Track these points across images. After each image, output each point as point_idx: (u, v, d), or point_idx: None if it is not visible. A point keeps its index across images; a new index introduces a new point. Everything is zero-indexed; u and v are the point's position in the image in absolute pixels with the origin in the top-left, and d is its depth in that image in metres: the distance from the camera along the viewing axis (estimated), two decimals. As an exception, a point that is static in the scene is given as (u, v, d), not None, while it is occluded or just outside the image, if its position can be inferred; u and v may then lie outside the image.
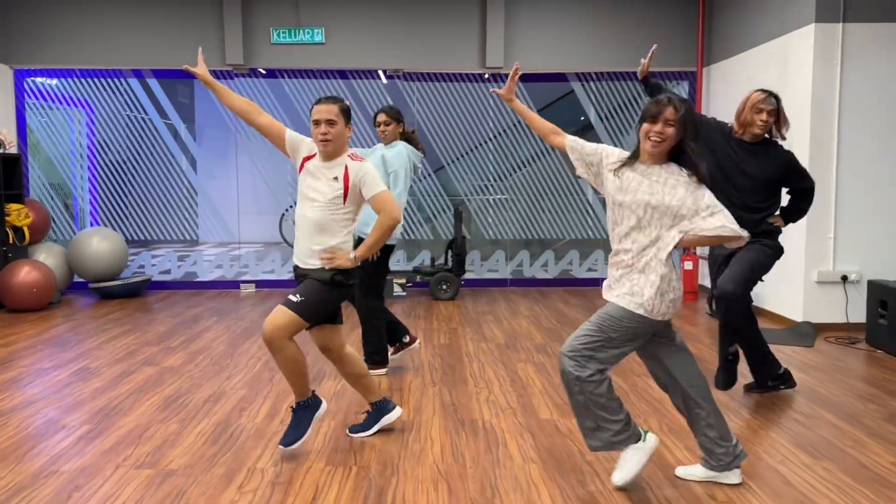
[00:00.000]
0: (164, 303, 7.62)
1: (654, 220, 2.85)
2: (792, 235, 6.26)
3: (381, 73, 8.32)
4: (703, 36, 7.98)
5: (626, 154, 3.00)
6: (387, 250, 4.63)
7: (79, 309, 7.24)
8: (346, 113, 3.33)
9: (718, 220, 2.81)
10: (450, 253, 8.06)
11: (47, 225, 7.94)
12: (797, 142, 6.16)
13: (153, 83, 8.35)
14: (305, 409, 3.43)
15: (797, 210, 4.27)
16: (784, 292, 6.39)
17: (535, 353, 5.37)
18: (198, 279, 8.58)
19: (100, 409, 4.07)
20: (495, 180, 8.62)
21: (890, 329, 5.31)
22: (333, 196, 3.29)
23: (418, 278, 7.92)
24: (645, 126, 2.87)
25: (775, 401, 4.22)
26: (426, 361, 5.12)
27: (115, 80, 8.28)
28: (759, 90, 3.97)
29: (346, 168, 3.31)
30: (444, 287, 7.77)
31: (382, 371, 4.78)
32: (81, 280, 8.14)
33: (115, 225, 8.51)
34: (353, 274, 3.37)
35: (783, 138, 4.05)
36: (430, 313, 6.96)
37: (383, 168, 4.60)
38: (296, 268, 3.44)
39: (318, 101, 3.31)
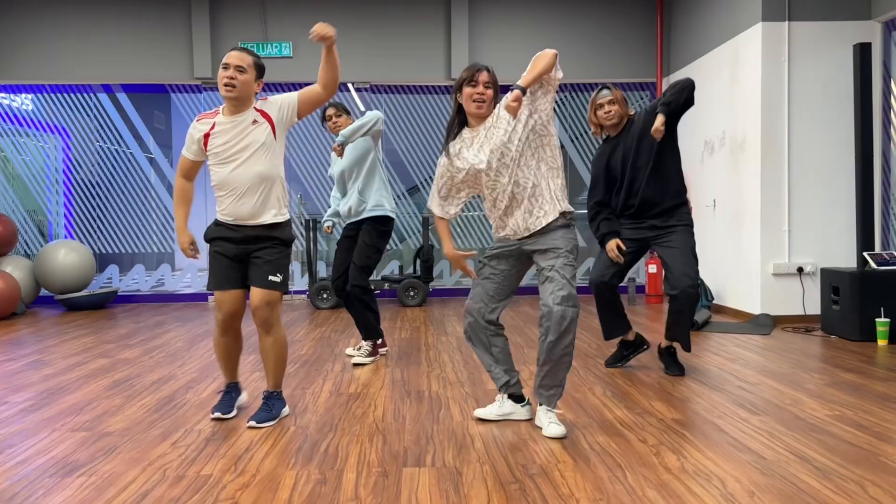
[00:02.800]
0: (129, 313, 7.59)
1: (512, 160, 3.04)
2: (747, 230, 6.37)
3: (350, 87, 8.45)
4: (662, 46, 8.20)
5: (451, 145, 3.18)
6: (387, 223, 4.70)
7: (42, 318, 7.20)
8: (258, 68, 3.23)
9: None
10: (418, 261, 8.10)
11: (14, 238, 7.93)
12: (748, 138, 6.31)
13: (123, 98, 8.44)
14: (278, 399, 3.40)
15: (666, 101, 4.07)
16: (741, 286, 6.46)
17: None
18: (167, 292, 8.56)
19: (46, 390, 4.04)
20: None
21: (842, 314, 5.38)
22: (263, 138, 3.19)
23: (386, 286, 7.95)
24: (466, 90, 3.05)
25: (721, 374, 4.25)
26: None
27: (85, 94, 8.37)
28: (596, 89, 4.23)
29: (262, 113, 3.22)
30: (412, 293, 7.79)
31: (384, 350, 4.87)
32: (48, 294, 8.11)
33: (90, 242, 8.51)
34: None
35: (629, 116, 4.22)
36: (396, 316, 6.97)
37: (361, 161, 4.70)
38: (234, 227, 3.26)
39: (234, 48, 3.24)
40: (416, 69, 8.31)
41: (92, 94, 8.39)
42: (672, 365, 4.30)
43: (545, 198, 3.07)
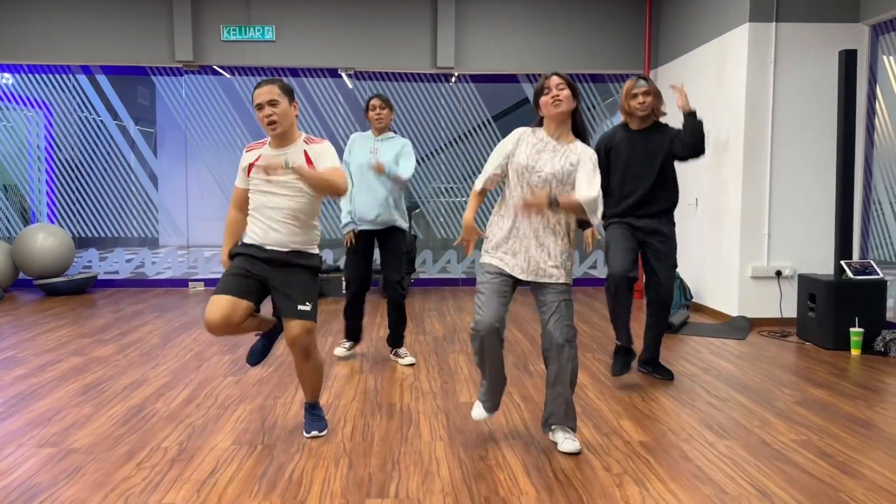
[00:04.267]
0: (109, 299, 7.54)
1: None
2: (727, 231, 6.37)
3: (343, 75, 8.33)
4: (651, 38, 8.12)
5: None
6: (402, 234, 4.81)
7: (21, 304, 7.15)
8: (287, 91, 3.19)
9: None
10: (400, 251, 8.07)
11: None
12: (732, 139, 6.28)
13: (103, 81, 8.29)
14: (319, 407, 3.49)
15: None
16: (720, 287, 6.48)
17: (470, 345, 5.39)
18: (146, 277, 8.51)
19: (16, 395, 4.02)
20: (452, 182, 8.65)
21: (818, 321, 5.41)
22: (301, 184, 3.18)
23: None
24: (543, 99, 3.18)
25: (693, 387, 4.28)
26: (359, 353, 5.12)
27: (65, 76, 8.22)
28: (631, 78, 4.22)
29: (306, 153, 3.21)
30: (393, 285, 7.76)
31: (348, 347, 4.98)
32: (27, 278, 8.05)
33: (72, 225, 8.42)
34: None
35: (663, 114, 4.27)
36: (375, 310, 6.96)
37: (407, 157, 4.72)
38: (260, 247, 3.23)
39: (257, 86, 3.19)
40: (402, 56, 8.20)
41: (71, 76, 8.24)
42: (661, 370, 4.40)
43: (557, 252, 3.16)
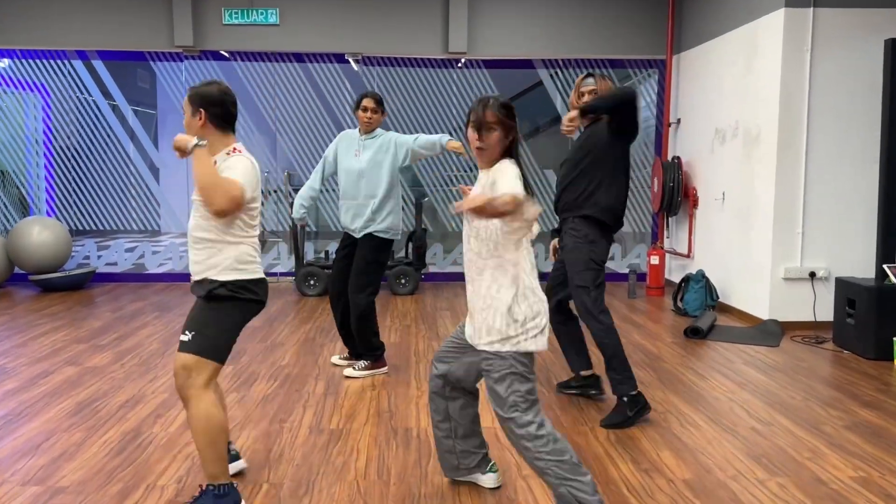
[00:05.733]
0: (108, 296, 7.25)
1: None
2: (758, 229, 6.03)
3: (351, 60, 7.96)
4: (674, 22, 7.71)
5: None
6: (388, 245, 4.46)
7: (16, 302, 6.86)
8: (192, 100, 2.71)
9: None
10: (410, 246, 7.76)
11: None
12: (763, 130, 5.92)
13: (99, 66, 7.94)
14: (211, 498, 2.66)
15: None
16: (750, 289, 6.15)
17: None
18: (147, 271, 8.21)
19: (4, 415, 3.73)
20: (462, 171, 8.31)
21: (857, 329, 5.08)
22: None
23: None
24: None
25: (732, 407, 3.97)
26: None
27: (61, 61, 7.86)
28: (581, 74, 3.97)
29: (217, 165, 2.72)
30: (403, 281, 7.46)
31: (384, 370, 4.55)
32: (23, 272, 7.75)
33: (70, 215, 8.11)
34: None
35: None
36: (385, 309, 6.65)
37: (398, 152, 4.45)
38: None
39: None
40: (411, 41, 7.82)
41: (67, 62, 7.88)
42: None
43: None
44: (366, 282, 4.34)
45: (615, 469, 3.11)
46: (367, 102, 4.39)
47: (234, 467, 2.95)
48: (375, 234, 4.37)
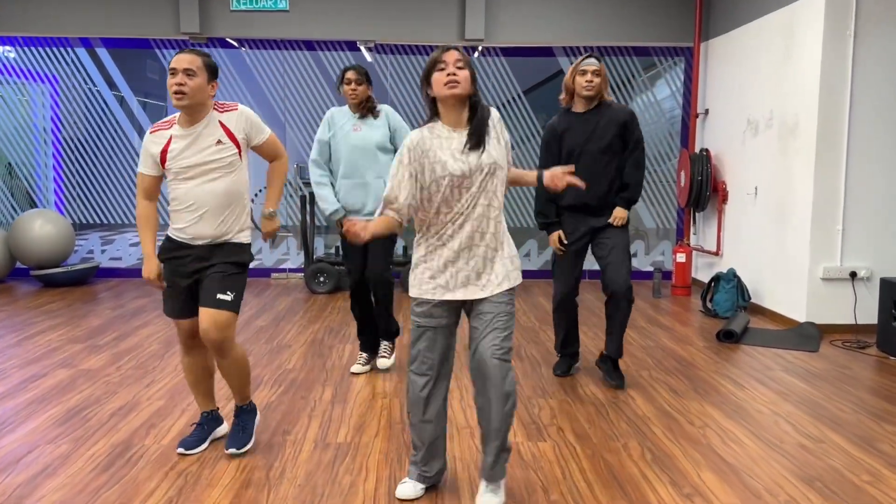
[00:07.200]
0: (110, 292, 6.99)
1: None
2: (794, 226, 5.66)
3: (363, 48, 7.64)
4: (702, 7, 7.33)
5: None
6: None
7: (16, 297, 6.62)
8: (210, 68, 2.89)
9: None
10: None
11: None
12: (802, 122, 5.55)
13: (102, 53, 7.67)
14: (249, 413, 3.23)
15: (629, 189, 4.03)
16: (786, 290, 5.79)
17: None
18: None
19: (-14, 424, 3.46)
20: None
21: (905, 333, 4.73)
22: (229, 162, 2.92)
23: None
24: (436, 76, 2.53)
25: (777, 420, 3.63)
26: (393, 361, 4.51)
27: (65, 49, 7.60)
28: (582, 56, 3.92)
29: (221, 123, 2.91)
30: (417, 278, 7.14)
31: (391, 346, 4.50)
32: (25, 266, 7.51)
33: (75, 209, 7.86)
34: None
35: (608, 99, 3.98)
36: (399, 306, 6.35)
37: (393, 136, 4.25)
38: (188, 245, 3.00)
39: (180, 51, 2.88)
40: (426, 27, 7.49)
41: (71, 50, 7.61)
42: (613, 375, 4.10)
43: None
44: (389, 259, 4.22)
45: (653, 494, 2.79)
46: (350, 75, 4.13)
47: (219, 432, 3.28)
48: None
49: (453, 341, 2.67)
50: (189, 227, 2.95)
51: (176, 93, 2.78)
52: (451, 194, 2.51)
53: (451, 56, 2.48)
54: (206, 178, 2.90)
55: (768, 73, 6.09)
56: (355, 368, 4.35)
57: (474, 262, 2.55)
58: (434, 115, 2.58)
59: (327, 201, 4.18)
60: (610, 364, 4.13)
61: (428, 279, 2.57)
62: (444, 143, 2.53)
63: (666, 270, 7.51)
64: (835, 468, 3.06)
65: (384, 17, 7.45)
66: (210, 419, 3.24)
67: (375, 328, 4.40)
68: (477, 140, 2.51)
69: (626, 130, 3.94)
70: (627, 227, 4.04)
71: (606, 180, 3.95)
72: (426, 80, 2.53)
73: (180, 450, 3.10)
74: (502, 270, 2.57)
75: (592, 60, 3.86)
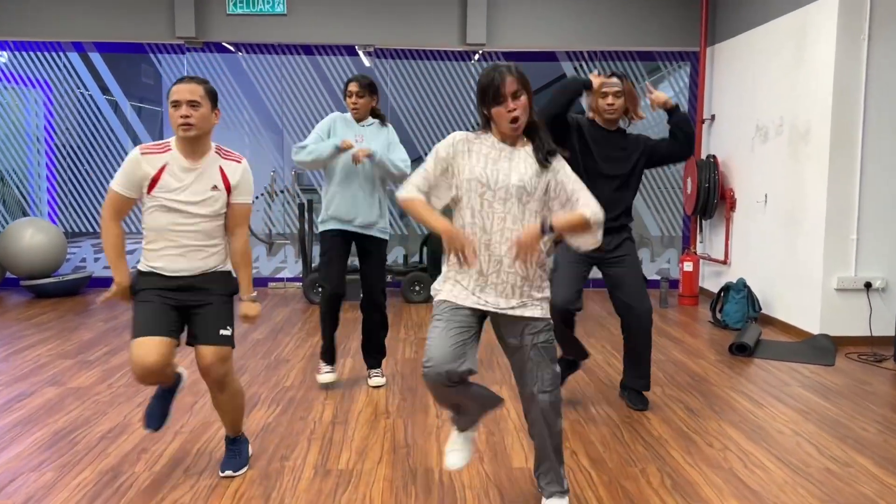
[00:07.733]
0: (104, 303, 6.79)
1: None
2: (806, 235, 5.51)
3: (361, 53, 7.48)
4: (708, 11, 7.19)
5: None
6: (384, 245, 4.21)
7: (6, 309, 6.43)
8: (211, 95, 2.82)
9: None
10: (425, 250, 7.28)
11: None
12: (814, 128, 5.39)
13: (95, 57, 7.49)
14: (243, 441, 3.15)
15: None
16: (798, 300, 5.63)
17: (513, 372, 4.59)
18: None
19: (-33, 449, 3.28)
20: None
21: (925, 347, 4.57)
22: (219, 208, 2.87)
23: (389, 278, 7.13)
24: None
25: (800, 442, 3.46)
26: (385, 379, 4.34)
27: (58, 54, 7.43)
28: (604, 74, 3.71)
29: (222, 170, 2.86)
30: (418, 288, 6.99)
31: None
32: (15, 277, 7.32)
33: (69, 217, 7.68)
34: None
35: (640, 117, 3.72)
36: (399, 318, 6.18)
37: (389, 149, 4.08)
38: (167, 278, 2.86)
39: (179, 80, 2.78)
40: (426, 32, 7.34)
41: (63, 54, 7.44)
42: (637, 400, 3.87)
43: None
44: (384, 284, 4.15)
45: (676, 526, 2.62)
46: (352, 87, 4.01)
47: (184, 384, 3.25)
48: (382, 235, 4.13)
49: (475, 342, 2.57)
50: (170, 263, 2.85)
51: (182, 125, 2.72)
52: (480, 206, 2.44)
53: (510, 87, 2.37)
54: (193, 217, 2.82)
55: (778, 78, 5.94)
56: (326, 378, 4.21)
57: (502, 288, 2.47)
58: (486, 126, 2.52)
59: (321, 145, 3.97)
60: (634, 393, 3.90)
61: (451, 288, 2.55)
62: (484, 149, 2.47)
63: (672, 279, 7.35)
64: (866, 496, 2.89)
65: (383, 20, 7.30)
66: (167, 389, 3.15)
67: (333, 342, 4.27)
68: (544, 157, 2.46)
69: (648, 147, 3.76)
70: (635, 252, 3.82)
71: (620, 207, 3.73)
72: (482, 101, 2.45)
73: (150, 430, 3.11)
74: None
75: (614, 80, 3.65)
